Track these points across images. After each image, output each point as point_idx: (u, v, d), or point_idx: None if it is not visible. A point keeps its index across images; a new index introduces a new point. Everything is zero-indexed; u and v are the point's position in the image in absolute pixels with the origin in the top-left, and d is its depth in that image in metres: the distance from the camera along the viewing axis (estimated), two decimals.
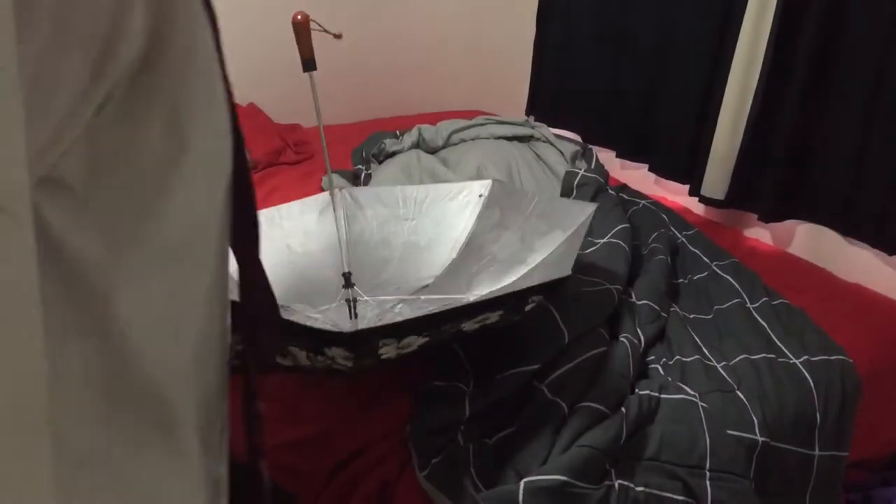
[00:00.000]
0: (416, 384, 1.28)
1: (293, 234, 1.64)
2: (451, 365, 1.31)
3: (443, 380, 1.27)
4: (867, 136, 1.67)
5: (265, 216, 1.63)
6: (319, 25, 1.32)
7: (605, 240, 1.70)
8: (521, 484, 1.05)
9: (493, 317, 1.13)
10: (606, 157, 2.38)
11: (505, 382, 1.23)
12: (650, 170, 2.30)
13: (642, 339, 1.39)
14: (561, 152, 2.23)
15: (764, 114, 1.85)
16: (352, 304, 1.42)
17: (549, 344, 1.29)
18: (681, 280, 1.70)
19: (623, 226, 1.74)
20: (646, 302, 1.49)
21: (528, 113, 2.59)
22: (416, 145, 2.19)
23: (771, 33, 1.80)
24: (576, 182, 2.01)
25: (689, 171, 2.12)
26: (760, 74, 1.84)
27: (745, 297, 1.58)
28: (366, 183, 1.97)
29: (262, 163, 2.13)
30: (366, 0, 2.60)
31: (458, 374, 1.28)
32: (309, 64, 1.33)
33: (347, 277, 1.44)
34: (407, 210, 1.68)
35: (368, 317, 1.42)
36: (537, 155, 2.23)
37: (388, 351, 1.08)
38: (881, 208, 1.63)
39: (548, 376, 1.25)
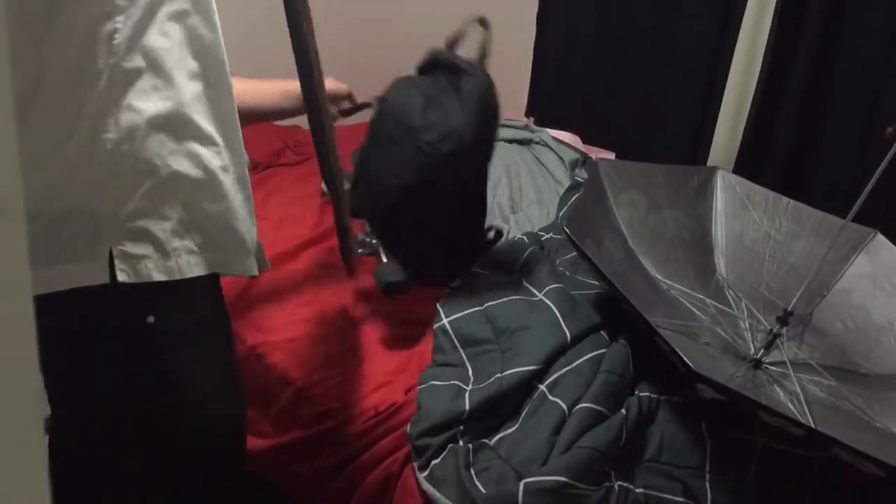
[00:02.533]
0: (415, 383, 1.28)
1: None
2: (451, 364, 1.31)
3: (442, 379, 1.27)
4: (867, 137, 1.66)
5: None
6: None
7: None
8: (521, 485, 1.05)
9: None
10: (606, 157, 2.38)
11: (505, 382, 1.23)
12: None
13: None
14: (561, 158, 2.22)
15: (763, 115, 1.85)
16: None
17: (551, 344, 1.29)
18: None
19: None
20: None
21: (527, 114, 2.59)
22: None
23: (770, 34, 1.79)
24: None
25: None
26: (760, 75, 1.84)
27: None
28: None
29: (262, 164, 2.13)
30: (367, 1, 2.60)
31: (458, 374, 1.28)
32: None
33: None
34: None
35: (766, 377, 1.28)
36: (537, 159, 2.23)
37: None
38: (883, 207, 1.63)
39: (548, 377, 1.25)
